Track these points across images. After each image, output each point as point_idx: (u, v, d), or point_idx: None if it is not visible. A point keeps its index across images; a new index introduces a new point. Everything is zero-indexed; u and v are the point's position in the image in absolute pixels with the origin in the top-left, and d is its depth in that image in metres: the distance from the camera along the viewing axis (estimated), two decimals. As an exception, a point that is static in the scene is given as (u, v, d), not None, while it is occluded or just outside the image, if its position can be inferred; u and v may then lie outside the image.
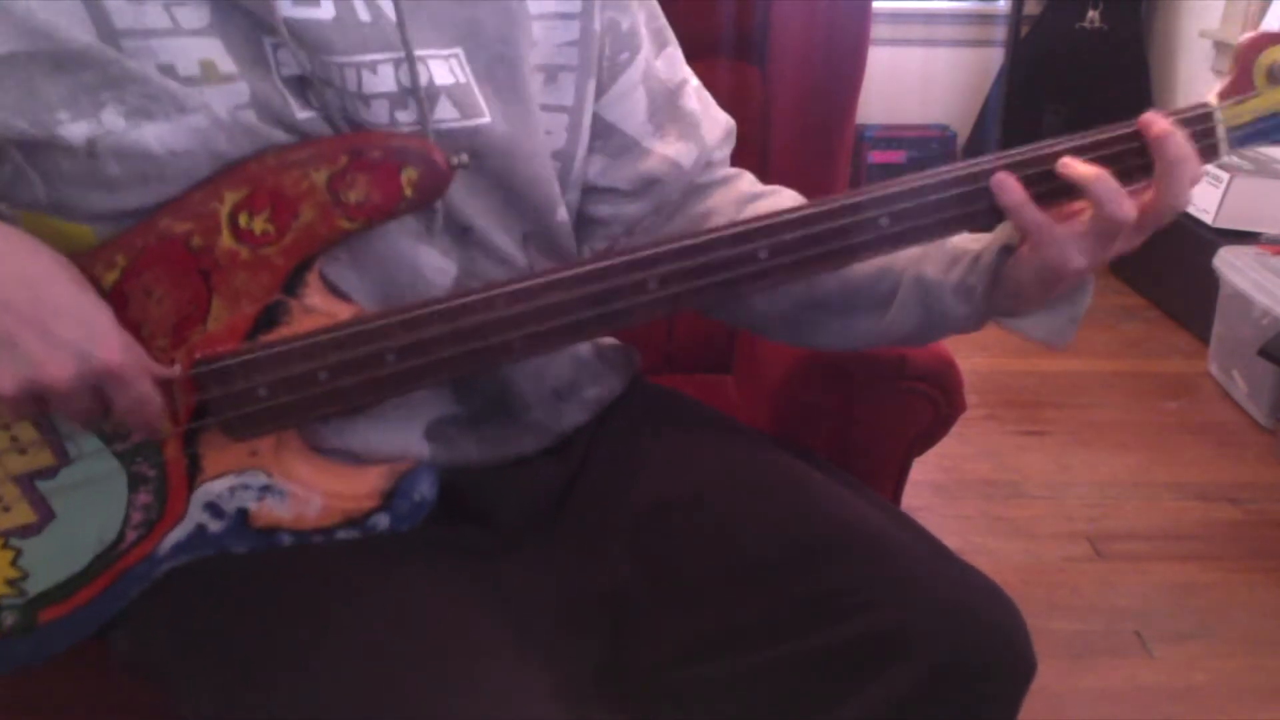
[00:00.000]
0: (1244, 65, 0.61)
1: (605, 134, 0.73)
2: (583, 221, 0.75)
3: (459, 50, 0.62)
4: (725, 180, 0.77)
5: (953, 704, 0.62)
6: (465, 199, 0.64)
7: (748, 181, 0.78)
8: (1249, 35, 0.61)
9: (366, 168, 0.58)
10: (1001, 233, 0.65)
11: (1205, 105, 0.61)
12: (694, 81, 0.77)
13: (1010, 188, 0.60)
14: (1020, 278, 0.63)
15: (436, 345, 0.59)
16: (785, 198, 0.76)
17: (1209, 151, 0.61)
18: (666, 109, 0.74)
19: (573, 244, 0.72)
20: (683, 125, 0.74)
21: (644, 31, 0.73)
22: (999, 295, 0.65)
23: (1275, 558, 1.58)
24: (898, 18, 3.03)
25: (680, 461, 0.73)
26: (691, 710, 0.64)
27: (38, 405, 0.55)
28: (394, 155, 0.58)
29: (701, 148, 0.75)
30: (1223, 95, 0.62)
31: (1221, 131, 0.61)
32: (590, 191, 0.74)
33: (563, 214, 0.69)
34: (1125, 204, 0.58)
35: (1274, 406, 1.92)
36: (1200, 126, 0.60)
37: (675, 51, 0.76)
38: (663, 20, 0.76)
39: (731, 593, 0.65)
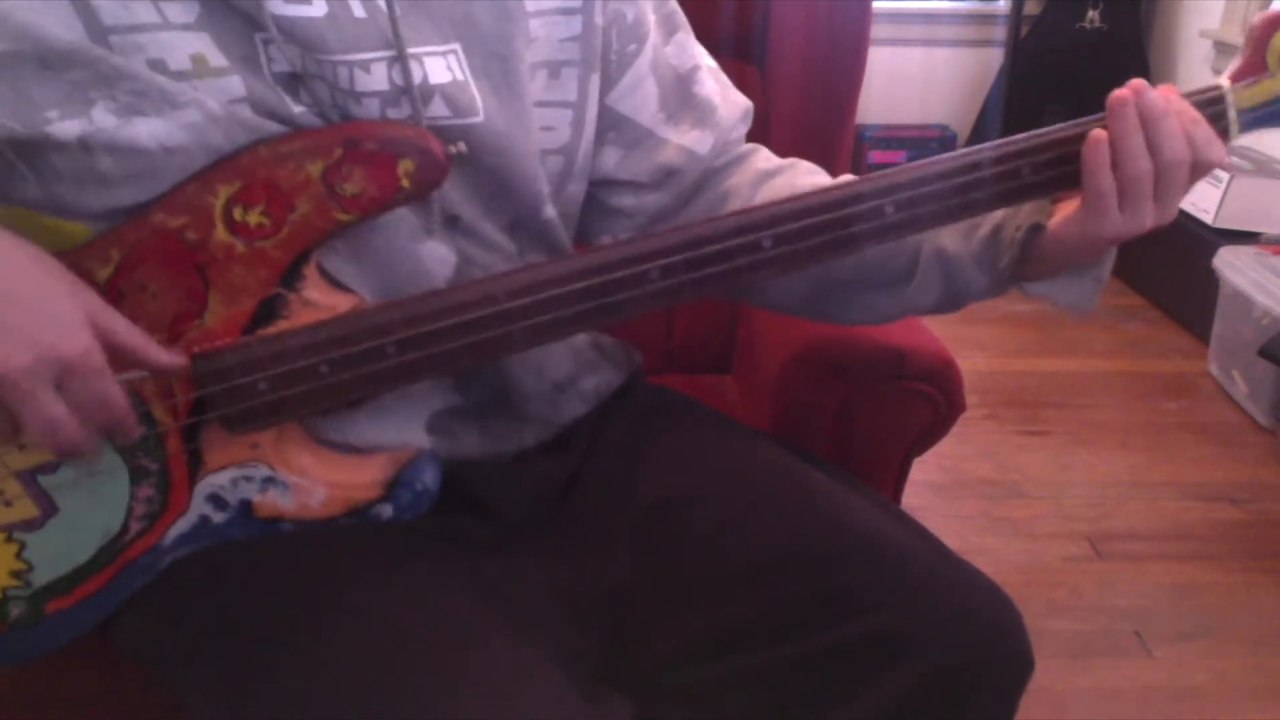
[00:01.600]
0: (1257, 47, 0.60)
1: (618, 126, 0.73)
2: (608, 213, 0.76)
3: (456, 46, 0.62)
4: (741, 158, 0.78)
5: (952, 703, 0.62)
6: (452, 190, 0.63)
7: (763, 157, 0.78)
8: (1263, 16, 0.60)
9: (362, 159, 0.57)
10: (1030, 211, 0.65)
11: (1217, 87, 0.61)
12: (708, 64, 0.77)
13: (1103, 150, 0.59)
14: (1047, 250, 0.64)
15: (437, 338, 0.59)
16: (801, 171, 0.76)
17: (1220, 134, 0.61)
18: (678, 97, 0.74)
19: (564, 239, 0.72)
20: (697, 113, 0.75)
21: (651, 19, 0.73)
22: (1021, 265, 0.66)
23: (1275, 558, 1.58)
24: (898, 18, 3.03)
25: (681, 460, 0.73)
26: (691, 709, 0.64)
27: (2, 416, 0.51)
28: (390, 146, 0.58)
29: (718, 133, 0.75)
30: (1235, 77, 0.61)
31: (1233, 114, 0.61)
32: (611, 184, 0.75)
33: (549, 212, 0.69)
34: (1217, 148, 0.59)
35: (1274, 406, 1.92)
36: (1212, 109, 0.60)
37: (686, 36, 0.76)
38: (672, 4, 0.75)
39: (732, 592, 0.65)
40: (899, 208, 0.61)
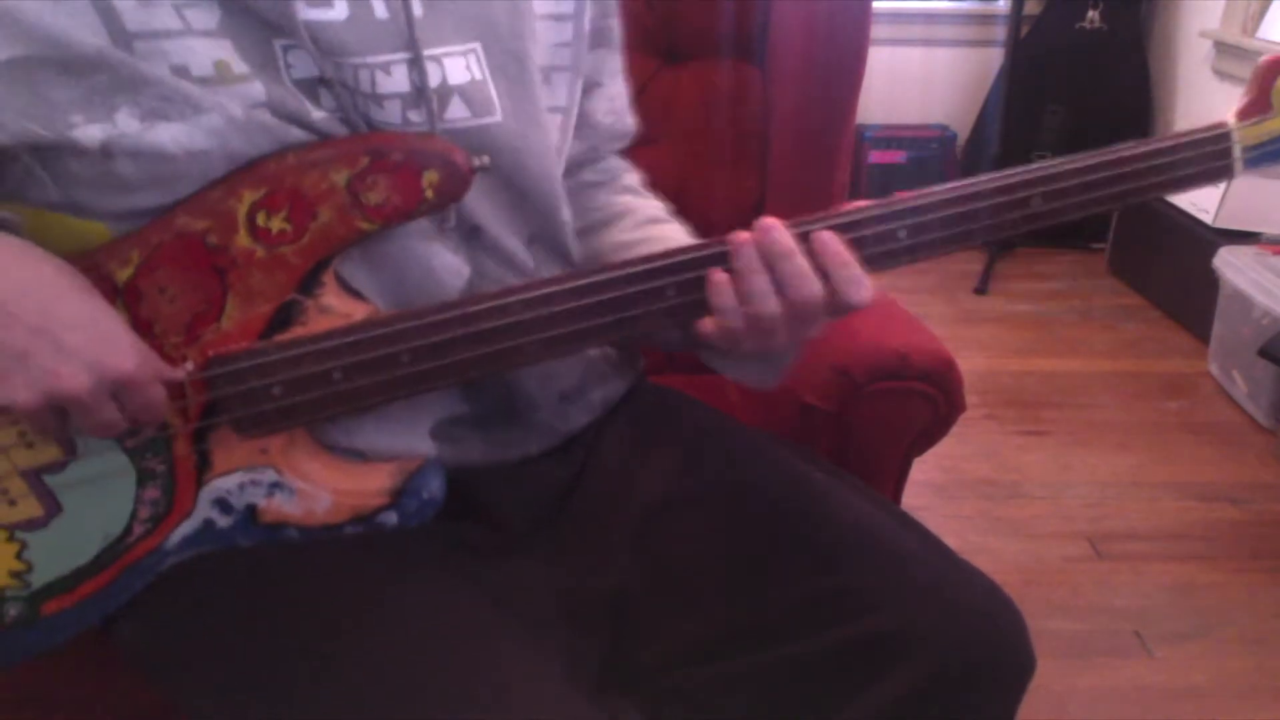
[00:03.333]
0: (1263, 86, 0.61)
1: None
2: None
3: (477, 45, 0.62)
4: (607, 179, 0.79)
5: (953, 703, 0.62)
6: (475, 199, 0.64)
7: (630, 182, 0.79)
8: (1268, 57, 0.61)
9: (387, 169, 0.58)
10: None
11: (1223, 124, 0.61)
12: (614, 89, 0.77)
13: (723, 290, 0.58)
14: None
15: (451, 348, 0.59)
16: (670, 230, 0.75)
17: (1224, 171, 0.61)
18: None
19: (574, 243, 0.72)
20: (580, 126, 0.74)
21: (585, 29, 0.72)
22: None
23: (1275, 558, 1.58)
24: (898, 18, 3.03)
25: (682, 462, 0.73)
26: (693, 710, 0.64)
27: (58, 418, 0.55)
28: (415, 157, 0.58)
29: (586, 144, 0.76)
30: (1241, 115, 0.61)
31: (1237, 151, 0.61)
32: None
33: (566, 212, 0.70)
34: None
35: (1274, 406, 1.92)
36: (1216, 146, 0.60)
37: (607, 53, 0.75)
38: (610, 20, 0.75)
39: (733, 593, 0.65)
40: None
